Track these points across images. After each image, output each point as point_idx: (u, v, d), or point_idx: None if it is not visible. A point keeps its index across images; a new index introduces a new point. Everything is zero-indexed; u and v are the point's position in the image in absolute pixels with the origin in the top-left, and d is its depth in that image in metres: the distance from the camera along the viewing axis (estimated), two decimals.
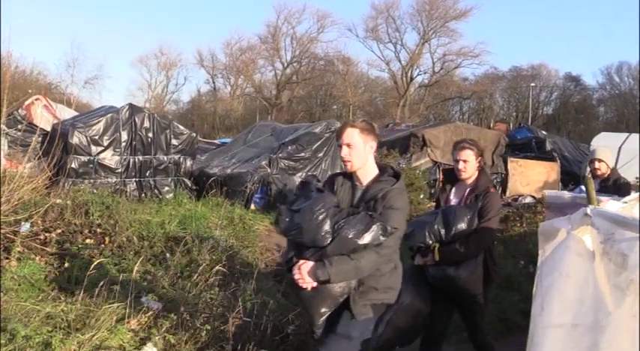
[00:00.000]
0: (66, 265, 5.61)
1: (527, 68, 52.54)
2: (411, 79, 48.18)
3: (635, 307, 2.13)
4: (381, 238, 2.92)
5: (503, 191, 16.45)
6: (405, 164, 12.92)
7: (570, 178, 15.54)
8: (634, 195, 3.01)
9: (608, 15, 70.14)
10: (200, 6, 78.39)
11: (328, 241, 2.92)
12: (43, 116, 14.44)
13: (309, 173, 12.60)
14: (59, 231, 6.36)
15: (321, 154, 12.90)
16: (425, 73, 49.16)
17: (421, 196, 10.15)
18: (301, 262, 2.98)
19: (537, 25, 73.65)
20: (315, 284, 2.94)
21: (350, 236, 2.89)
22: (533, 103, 50.44)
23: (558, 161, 17.02)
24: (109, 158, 11.32)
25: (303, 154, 12.67)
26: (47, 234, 6.16)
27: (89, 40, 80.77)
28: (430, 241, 3.87)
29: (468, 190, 4.06)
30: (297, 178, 12.42)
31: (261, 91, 50.92)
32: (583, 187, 4.24)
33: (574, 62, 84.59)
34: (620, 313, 2.18)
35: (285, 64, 50.24)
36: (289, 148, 12.66)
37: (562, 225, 2.62)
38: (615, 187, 4.88)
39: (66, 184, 9.61)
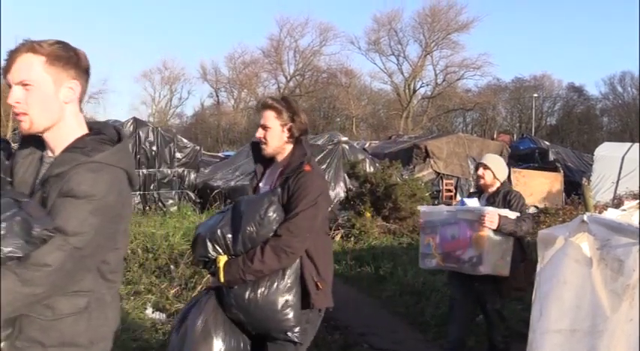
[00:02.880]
0: None
1: (529, 79, 52.69)
2: (414, 91, 48.26)
3: (632, 312, 2.16)
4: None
5: None
6: (408, 175, 12.95)
7: (574, 188, 15.53)
8: (633, 202, 3.05)
9: (611, 24, 70.33)
10: (203, 21, 79.05)
11: None
12: None
13: None
14: None
15: (324, 166, 12.96)
16: (427, 85, 49.29)
17: None
18: None
19: (539, 36, 74.02)
20: None
21: None
22: (537, 114, 50.45)
23: (562, 171, 17.02)
24: None
25: None
26: None
27: (93, 55, 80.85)
28: (213, 253, 2.68)
29: (279, 171, 2.85)
30: None
31: None
32: (466, 200, 4.20)
33: (577, 73, 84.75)
34: (617, 318, 2.21)
35: (288, 78, 50.45)
36: None
37: (560, 232, 2.66)
38: (505, 202, 4.10)
39: None
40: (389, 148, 17.87)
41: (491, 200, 4.14)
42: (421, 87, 49.46)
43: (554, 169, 17.24)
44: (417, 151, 15.89)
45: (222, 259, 2.65)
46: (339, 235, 9.49)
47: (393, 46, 47.92)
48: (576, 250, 2.47)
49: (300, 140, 2.85)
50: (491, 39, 71.56)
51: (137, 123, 12.00)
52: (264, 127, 2.81)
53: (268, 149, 2.84)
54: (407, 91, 47.67)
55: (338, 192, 12.88)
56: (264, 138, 2.83)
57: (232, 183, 12.58)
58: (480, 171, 4.27)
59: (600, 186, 14.87)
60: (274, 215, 2.62)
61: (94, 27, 74.56)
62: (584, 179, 13.79)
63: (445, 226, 3.96)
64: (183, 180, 12.33)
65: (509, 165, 17.06)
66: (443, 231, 3.97)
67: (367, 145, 21.06)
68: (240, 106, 53.09)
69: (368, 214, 9.69)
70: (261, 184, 2.98)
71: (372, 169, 12.63)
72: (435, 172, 15.59)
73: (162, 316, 4.82)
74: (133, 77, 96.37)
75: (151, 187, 11.82)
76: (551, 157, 18.73)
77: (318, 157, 12.93)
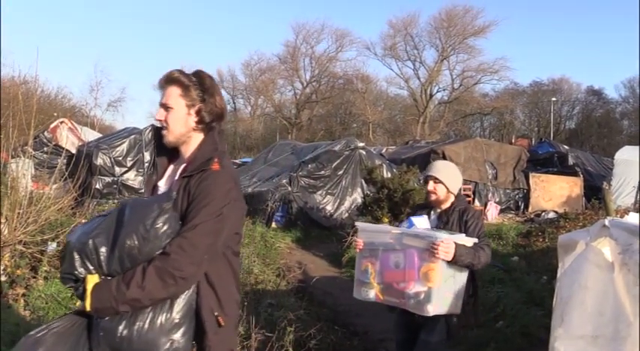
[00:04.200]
0: None
1: (548, 83, 52.31)
2: (431, 96, 48.10)
3: None
4: None
5: (526, 207, 16.32)
6: None
7: (594, 192, 15.36)
8: None
9: (630, 26, 69.57)
10: (219, 28, 79.66)
11: None
12: (69, 138, 14.76)
13: (330, 191, 12.65)
14: None
15: (341, 172, 12.96)
16: (444, 90, 49.12)
17: None
18: None
19: (557, 40, 73.43)
20: None
21: None
22: (555, 118, 50.01)
23: (581, 176, 16.84)
24: (133, 179, 11.52)
25: (323, 172, 12.74)
26: None
27: (112, 63, 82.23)
28: (82, 270, 2.01)
29: (182, 168, 2.24)
30: (318, 196, 12.49)
31: (281, 110, 51.26)
32: (414, 220, 3.42)
33: (596, 76, 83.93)
34: None
35: (305, 84, 50.59)
36: (309, 166, 12.74)
37: (581, 237, 2.63)
38: (461, 223, 3.44)
39: (91, 205, 9.79)
40: (406, 153, 17.83)
41: (444, 219, 3.51)
42: (438, 92, 49.37)
43: (574, 174, 17.07)
44: (434, 156, 15.81)
45: (92, 280, 1.98)
46: None
47: (409, 51, 47.90)
48: (598, 255, 2.45)
49: (212, 128, 2.24)
50: (509, 43, 71.20)
51: (156, 130, 12.11)
52: (165, 107, 2.20)
53: (169, 136, 2.22)
54: (423, 96, 47.53)
55: (355, 198, 12.88)
56: (165, 121, 2.21)
57: (249, 189, 12.62)
58: (431, 185, 3.56)
59: (621, 190, 14.70)
60: (164, 227, 1.98)
61: (113, 35, 75.51)
62: (605, 183, 13.64)
63: (388, 251, 3.24)
64: None
65: (528, 169, 17.10)
66: (385, 257, 3.25)
67: (384, 150, 21.02)
68: (256, 112, 53.35)
69: (385, 220, 9.65)
70: (160, 183, 2.30)
71: (389, 175, 12.60)
72: None
73: None
74: (151, 85, 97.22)
75: None
76: (571, 161, 18.55)
77: (335, 163, 12.93)
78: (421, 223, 3.42)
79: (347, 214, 12.51)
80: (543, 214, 15.10)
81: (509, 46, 75.68)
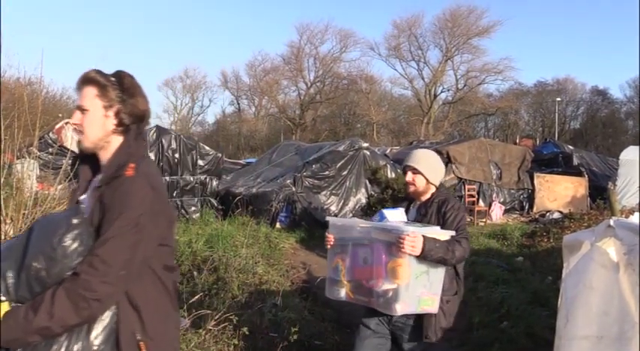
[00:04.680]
0: None
1: (552, 83, 52.23)
2: (435, 96, 48.09)
3: None
4: None
5: (531, 207, 16.29)
6: None
7: (599, 192, 15.30)
8: None
9: (634, 26, 69.38)
10: (224, 29, 79.78)
11: None
12: (74, 139, 14.77)
13: (334, 191, 12.66)
14: None
15: (345, 172, 12.95)
16: (448, 90, 49.13)
17: None
18: None
19: (562, 40, 73.25)
20: None
21: None
22: (560, 118, 49.90)
23: (586, 176, 16.79)
24: None
25: (327, 173, 12.74)
26: None
27: (116, 64, 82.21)
28: None
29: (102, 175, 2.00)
30: (322, 197, 12.49)
31: (285, 111, 51.31)
32: (386, 213, 3.16)
33: (601, 76, 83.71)
34: None
35: (309, 84, 50.62)
36: (313, 166, 12.74)
37: (586, 237, 2.63)
38: (439, 215, 3.20)
39: None
40: None
41: (423, 211, 3.28)
42: (442, 92, 49.38)
43: (579, 174, 17.02)
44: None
45: (3, 308, 1.75)
46: None
47: (414, 51, 47.91)
48: (603, 256, 2.45)
49: (128, 131, 2.00)
50: (513, 43, 71.04)
51: (160, 131, 12.14)
52: (81, 110, 1.99)
53: (85, 142, 2.00)
54: (428, 96, 47.52)
55: (359, 198, 12.88)
56: (81, 125, 2.00)
57: (254, 190, 12.63)
58: (409, 176, 3.34)
59: (626, 190, 14.66)
60: (74, 245, 1.76)
61: (117, 36, 75.68)
62: (610, 183, 13.61)
63: (357, 246, 3.03)
64: (205, 187, 12.42)
65: (533, 170, 17.07)
66: (354, 252, 3.04)
67: (388, 150, 21.01)
68: (261, 113, 53.43)
69: None
70: (82, 197, 2.04)
71: (393, 175, 12.60)
72: (457, 177, 15.48)
73: (186, 321, 4.86)
74: (155, 85, 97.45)
75: (174, 195, 11.92)
76: (575, 161, 18.49)
77: (339, 163, 12.93)
78: (394, 215, 3.17)
79: (351, 215, 12.50)
80: (548, 214, 15.06)
81: (513, 47, 75.64)
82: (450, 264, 2.99)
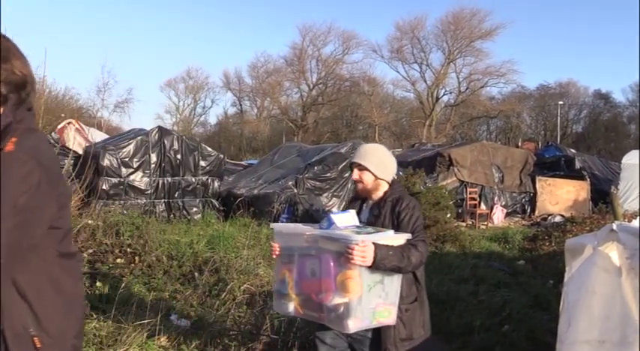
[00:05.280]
0: (97, 284, 5.73)
1: (555, 86, 52.22)
2: (437, 99, 48.08)
3: None
4: None
5: (532, 210, 16.27)
6: (432, 184, 12.90)
7: (601, 196, 15.29)
8: None
9: (637, 30, 69.31)
10: (226, 30, 79.88)
11: None
12: (76, 139, 14.82)
13: (336, 193, 12.66)
14: (91, 251, 6.52)
15: (347, 174, 12.94)
16: (451, 93, 49.10)
17: (447, 215, 10.10)
18: None
19: (564, 43, 73.21)
20: None
21: None
22: (562, 122, 49.87)
23: (588, 180, 16.77)
24: (139, 180, 11.54)
25: (329, 175, 12.73)
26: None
27: (119, 65, 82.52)
28: None
29: None
30: (324, 198, 12.49)
31: (287, 112, 51.34)
32: (333, 217, 2.81)
33: (603, 79, 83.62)
34: None
35: (311, 86, 50.64)
36: (315, 168, 12.74)
37: (588, 241, 2.62)
38: (393, 215, 2.92)
39: (97, 206, 9.83)
40: (412, 156, 17.81)
41: (376, 212, 2.99)
42: (444, 95, 49.36)
43: (581, 178, 17.01)
44: (440, 159, 15.79)
45: None
46: None
47: (416, 53, 47.90)
48: (605, 260, 2.44)
49: (7, 100, 1.71)
50: (516, 46, 71.08)
51: (162, 131, 12.14)
52: None
53: None
54: (430, 99, 47.51)
55: None
56: None
57: (255, 191, 12.62)
58: (355, 173, 3.05)
59: (628, 194, 14.64)
60: None
61: (120, 36, 75.80)
62: (613, 187, 13.60)
63: (304, 257, 2.74)
64: (207, 188, 12.41)
65: (535, 173, 17.07)
66: (301, 263, 2.76)
67: None
68: (263, 114, 53.47)
69: None
70: None
71: (395, 178, 12.58)
72: (459, 180, 15.48)
73: (187, 322, 4.86)
74: (157, 86, 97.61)
75: (176, 195, 11.91)
76: (578, 165, 18.48)
77: (341, 166, 12.93)
78: (344, 220, 2.83)
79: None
80: (550, 217, 15.06)
81: (516, 50, 75.66)
82: (405, 272, 2.72)
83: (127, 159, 11.44)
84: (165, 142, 11.93)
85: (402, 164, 15.13)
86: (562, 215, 14.90)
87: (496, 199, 15.91)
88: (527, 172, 16.76)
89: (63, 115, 19.57)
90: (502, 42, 71.70)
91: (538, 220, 15.28)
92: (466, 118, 49.01)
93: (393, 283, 2.69)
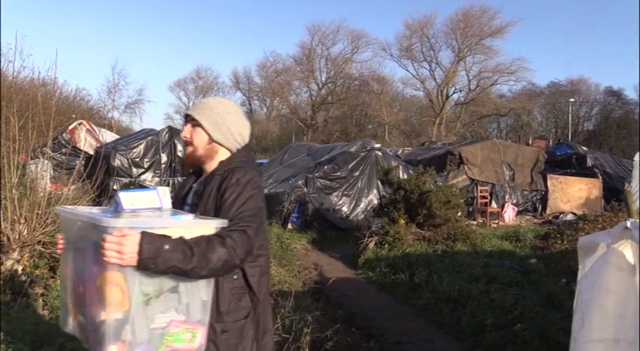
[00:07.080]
0: None
1: (566, 84, 51.77)
2: (447, 97, 47.87)
3: None
4: None
5: (544, 208, 16.17)
6: (442, 182, 12.85)
7: (613, 194, 15.16)
8: None
9: None
10: (235, 30, 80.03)
11: None
12: (87, 140, 14.91)
13: (346, 192, 12.65)
14: None
15: (357, 173, 12.94)
16: (461, 91, 48.83)
17: (458, 214, 10.05)
18: None
19: (575, 40, 72.66)
20: None
21: None
22: (573, 119, 49.51)
23: (600, 177, 16.64)
24: (150, 180, 11.61)
25: (339, 173, 12.73)
26: None
27: (129, 65, 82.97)
28: None
29: None
30: (334, 197, 12.48)
31: (296, 112, 51.37)
32: (121, 195, 1.88)
33: (615, 76, 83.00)
34: None
35: (320, 85, 50.63)
36: (325, 167, 12.74)
37: (602, 239, 2.59)
38: (219, 194, 2.02)
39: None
40: (422, 154, 17.75)
41: (201, 189, 2.13)
42: (454, 93, 49.11)
43: (593, 175, 16.88)
44: (450, 157, 15.72)
45: None
46: (372, 242, 9.45)
47: (426, 52, 47.70)
48: (619, 258, 2.41)
49: None
50: (526, 43, 70.56)
51: (172, 132, 12.20)
52: None
53: None
54: (440, 97, 47.31)
55: (371, 199, 12.85)
56: None
57: (265, 190, 12.65)
58: (185, 130, 2.20)
59: None
60: None
61: (130, 37, 76.15)
62: (627, 185, 13.47)
63: (77, 252, 1.94)
64: None
65: (546, 171, 16.95)
66: (74, 260, 1.97)
67: (400, 151, 20.95)
68: (272, 114, 53.55)
69: (402, 221, 9.61)
70: None
71: (405, 176, 12.56)
72: (470, 178, 15.39)
73: None
74: (167, 86, 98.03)
75: None
76: (589, 162, 18.34)
77: (351, 164, 12.93)
78: (140, 199, 1.93)
79: (363, 216, 12.49)
80: (561, 215, 14.94)
81: (526, 47, 75.12)
82: (197, 276, 1.79)
83: (137, 159, 11.51)
84: (176, 141, 11.98)
85: (411, 163, 15.11)
86: (574, 213, 14.79)
87: (507, 197, 15.82)
88: (538, 170, 16.65)
89: (74, 116, 19.65)
90: (512, 39, 71.12)
91: (549, 218, 15.17)
92: (476, 116, 48.75)
93: (199, 292, 1.85)
